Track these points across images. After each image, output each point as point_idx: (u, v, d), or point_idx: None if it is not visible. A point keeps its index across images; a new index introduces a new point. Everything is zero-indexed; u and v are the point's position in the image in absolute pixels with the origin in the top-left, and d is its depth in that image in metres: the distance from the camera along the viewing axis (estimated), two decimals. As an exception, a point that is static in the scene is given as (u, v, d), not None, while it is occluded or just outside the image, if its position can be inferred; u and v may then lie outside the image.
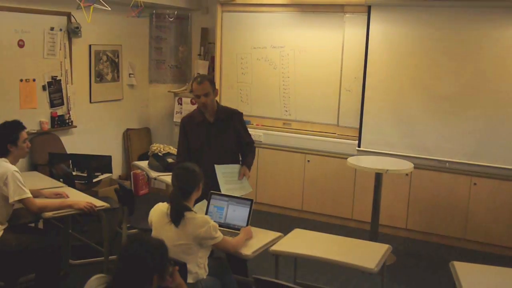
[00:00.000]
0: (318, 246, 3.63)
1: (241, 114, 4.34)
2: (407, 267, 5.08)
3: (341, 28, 5.91)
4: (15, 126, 3.89)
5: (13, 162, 3.85)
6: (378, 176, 5.10)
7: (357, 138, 5.90)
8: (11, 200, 3.72)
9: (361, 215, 5.93)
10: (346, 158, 5.28)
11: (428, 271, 5.02)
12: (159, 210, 3.34)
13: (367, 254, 3.48)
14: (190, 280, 3.16)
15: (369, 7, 5.66)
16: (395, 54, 5.64)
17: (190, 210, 3.25)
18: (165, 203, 3.37)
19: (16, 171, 3.76)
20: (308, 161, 6.22)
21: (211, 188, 3.85)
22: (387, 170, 4.88)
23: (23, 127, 3.94)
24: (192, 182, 3.31)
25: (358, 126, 5.88)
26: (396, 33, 5.61)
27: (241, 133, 4.29)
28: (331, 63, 6.02)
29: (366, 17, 5.70)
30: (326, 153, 6.12)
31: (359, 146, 5.88)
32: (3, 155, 3.83)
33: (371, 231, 5.20)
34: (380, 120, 5.77)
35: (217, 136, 4.15)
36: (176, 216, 3.19)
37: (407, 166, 5.08)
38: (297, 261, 4.17)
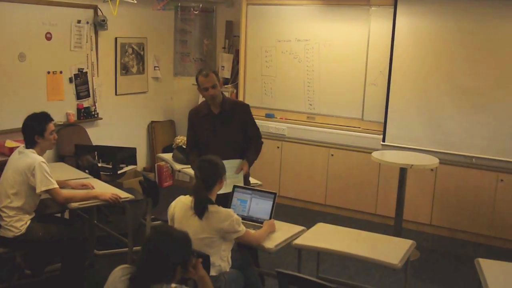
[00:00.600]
0: (341, 241, 3.61)
1: (247, 106, 4.29)
2: (431, 264, 5.03)
3: (367, 21, 5.85)
4: (43, 118, 3.94)
5: (40, 153, 3.90)
6: (403, 171, 5.05)
7: (382, 132, 5.84)
8: (38, 191, 3.77)
9: (385, 210, 5.89)
10: (370, 153, 5.25)
11: (453, 268, 4.97)
12: (182, 203, 3.35)
13: (391, 250, 3.45)
14: (213, 272, 3.18)
15: (396, 0, 5.59)
16: (421, 47, 5.57)
17: (213, 203, 3.27)
18: (187, 196, 3.38)
19: (43, 162, 3.81)
20: (332, 155, 6.19)
21: None
22: (412, 165, 4.83)
23: (51, 119, 3.98)
24: (214, 175, 3.32)
25: (382, 121, 5.83)
26: (423, 26, 5.53)
27: (248, 125, 4.22)
28: (356, 56, 5.97)
29: (392, 10, 5.63)
30: (350, 147, 6.09)
31: (383, 141, 5.83)
32: (31, 146, 3.88)
33: (395, 227, 5.16)
34: (405, 114, 5.71)
35: (222, 128, 4.13)
36: (200, 209, 3.21)
37: (432, 161, 5.02)
38: (320, 255, 4.16)
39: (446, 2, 5.39)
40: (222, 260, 3.26)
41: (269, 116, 6.52)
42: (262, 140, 4.35)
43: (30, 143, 3.89)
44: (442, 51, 5.47)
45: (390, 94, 5.74)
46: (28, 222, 3.78)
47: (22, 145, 3.96)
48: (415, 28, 5.57)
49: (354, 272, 4.72)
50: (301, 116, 6.41)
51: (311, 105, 6.33)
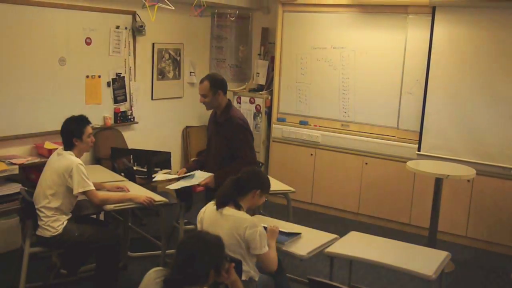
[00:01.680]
0: (374, 250, 3.58)
1: (236, 125, 4.08)
2: (466, 276, 4.94)
3: (404, 29, 5.80)
4: (81, 121, 4.02)
5: (78, 156, 3.97)
6: (438, 181, 4.97)
7: (417, 141, 5.77)
8: (75, 192, 3.84)
9: (419, 220, 5.81)
10: (405, 162, 5.19)
11: (488, 281, 4.86)
12: (211, 209, 3.33)
13: (425, 261, 3.41)
14: (243, 277, 3.17)
15: (434, 8, 5.53)
16: (459, 56, 5.49)
17: (239, 205, 3.26)
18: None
19: (81, 164, 3.88)
20: (366, 163, 6.14)
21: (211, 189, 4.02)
22: (448, 175, 4.75)
23: (89, 122, 4.06)
24: (251, 182, 3.30)
25: (418, 130, 5.76)
26: (461, 35, 5.45)
27: (232, 144, 4.08)
28: (392, 64, 5.92)
29: (429, 18, 5.56)
30: (384, 156, 6.03)
31: (419, 150, 5.75)
32: (69, 148, 3.96)
33: (430, 237, 5.08)
34: (441, 124, 5.63)
35: (215, 138, 4.20)
36: (222, 201, 3.21)
37: (469, 172, 4.94)
38: (352, 264, 4.13)
39: (484, 11, 5.30)
40: (249, 266, 3.22)
41: (303, 123, 6.51)
42: (261, 163, 4.41)
43: (68, 145, 3.97)
44: (480, 60, 5.38)
45: (426, 102, 5.67)
46: (65, 223, 3.86)
47: (60, 147, 4.05)
48: (452, 37, 5.49)
49: (386, 283, 4.66)
50: (335, 123, 6.38)
51: (345, 112, 6.30)
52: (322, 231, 3.87)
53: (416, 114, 5.79)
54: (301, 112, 6.59)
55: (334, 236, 3.77)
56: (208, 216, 3.34)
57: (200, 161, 4.58)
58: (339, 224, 5.99)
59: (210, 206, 3.37)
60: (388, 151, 6.00)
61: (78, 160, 3.90)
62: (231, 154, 4.09)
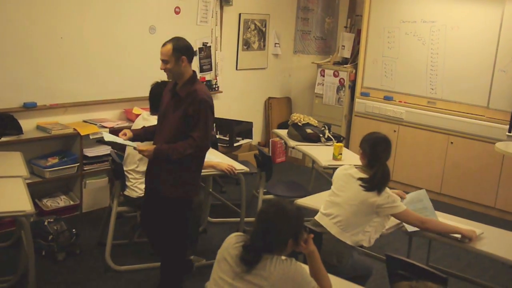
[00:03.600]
0: (456, 231, 3.48)
1: (200, 100, 3.34)
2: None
3: (501, 4, 5.50)
4: None
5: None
6: (529, 165, 4.75)
7: (509, 122, 5.51)
8: None
9: (506, 204, 5.59)
10: (494, 143, 5.00)
11: None
12: (345, 170, 3.38)
13: (510, 246, 3.28)
14: (348, 241, 3.23)
15: (536, -19, 5.21)
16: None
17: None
18: (352, 166, 3.40)
19: None
20: (452, 143, 5.95)
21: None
22: (540, 159, 4.53)
23: None
24: (381, 154, 3.27)
25: (510, 110, 5.49)
26: None
27: (190, 122, 3.36)
28: (486, 41, 5.64)
29: (531, -8, 5.25)
30: (472, 136, 5.81)
31: (509, 131, 5.49)
32: (156, 112, 4.06)
33: (516, 222, 4.89)
34: (536, 105, 5.34)
35: (171, 115, 3.44)
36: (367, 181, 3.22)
37: None
38: (431, 244, 4.05)
39: None
40: (363, 234, 3.25)
41: (387, 99, 6.38)
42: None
43: (155, 110, 4.07)
44: None
45: (521, 82, 5.39)
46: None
47: (146, 112, 4.18)
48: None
49: (466, 265, 4.54)
50: (421, 100, 6.20)
51: (432, 89, 6.10)
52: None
53: (509, 93, 5.52)
54: (386, 87, 6.45)
55: (414, 214, 3.70)
56: (341, 177, 3.36)
57: (150, 131, 3.71)
58: (419, 203, 5.86)
59: (345, 168, 3.41)
60: (475, 131, 5.77)
61: None
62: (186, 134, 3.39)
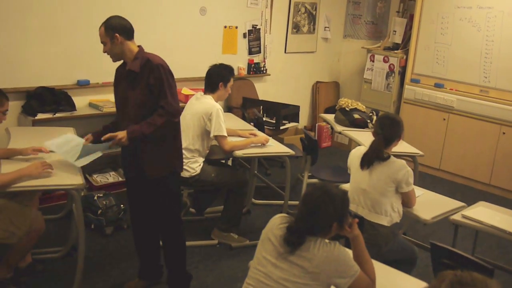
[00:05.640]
0: (504, 223, 3.40)
1: (157, 66, 3.15)
2: None
3: None
4: (231, 70, 4.20)
5: (216, 101, 4.12)
6: None
7: None
8: (211, 135, 4.00)
9: (558, 198, 5.42)
10: (549, 135, 4.83)
11: None
12: (358, 151, 3.51)
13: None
14: (384, 222, 3.29)
15: None
16: None
17: (389, 156, 3.34)
18: (364, 146, 3.52)
19: (220, 110, 4.02)
20: (504, 133, 5.79)
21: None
22: None
23: (234, 73, 4.22)
24: (395, 132, 3.37)
25: None
26: None
27: (154, 91, 3.16)
28: (545, 28, 5.45)
29: None
30: (525, 126, 5.65)
31: None
32: (211, 92, 4.12)
33: None
34: None
35: (131, 94, 3.23)
36: (370, 160, 3.35)
37: None
38: (477, 235, 3.98)
39: None
40: (393, 210, 3.32)
41: (438, 86, 6.25)
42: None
43: (211, 89, 4.10)
44: None
45: None
46: (202, 164, 4.06)
47: (199, 92, 4.22)
48: None
49: (513, 258, 4.45)
50: (473, 88, 6.05)
51: (486, 78, 5.93)
52: (448, 198, 3.76)
53: None
54: (437, 74, 6.31)
55: (462, 204, 3.64)
56: (356, 161, 3.47)
57: (109, 127, 3.48)
58: (467, 193, 5.75)
59: (359, 151, 3.52)
60: (530, 122, 5.61)
61: (218, 105, 4.03)
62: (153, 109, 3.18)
